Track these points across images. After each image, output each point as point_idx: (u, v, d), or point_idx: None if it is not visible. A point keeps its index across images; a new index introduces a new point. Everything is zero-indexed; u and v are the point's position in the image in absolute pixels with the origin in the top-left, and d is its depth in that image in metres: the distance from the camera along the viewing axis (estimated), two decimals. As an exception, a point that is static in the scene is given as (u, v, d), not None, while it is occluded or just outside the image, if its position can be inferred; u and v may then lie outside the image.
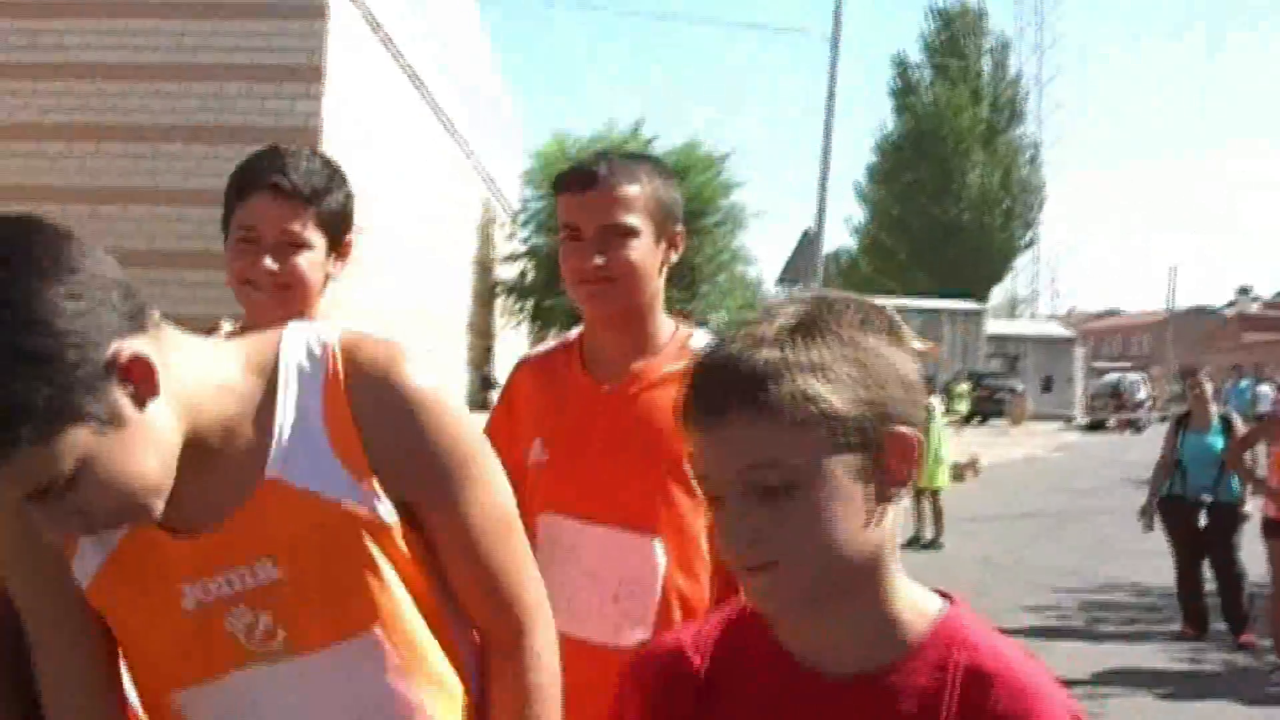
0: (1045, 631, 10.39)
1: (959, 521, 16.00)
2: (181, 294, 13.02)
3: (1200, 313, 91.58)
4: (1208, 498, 10.01)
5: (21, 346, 1.45)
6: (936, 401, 17.29)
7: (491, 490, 1.93)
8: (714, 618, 1.64)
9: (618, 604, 2.79)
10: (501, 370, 25.15)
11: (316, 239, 2.62)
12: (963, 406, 41.16)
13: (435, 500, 1.87)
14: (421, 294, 22.30)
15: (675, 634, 1.65)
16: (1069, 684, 6.23)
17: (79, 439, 1.53)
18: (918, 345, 1.51)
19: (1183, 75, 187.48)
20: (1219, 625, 10.08)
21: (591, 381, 2.92)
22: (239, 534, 1.77)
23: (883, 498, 1.44)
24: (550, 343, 3.17)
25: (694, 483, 1.49)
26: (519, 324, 32.76)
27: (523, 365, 3.12)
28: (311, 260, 2.63)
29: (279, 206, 2.58)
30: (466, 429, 1.92)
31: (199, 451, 1.72)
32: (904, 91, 69.06)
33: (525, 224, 32.56)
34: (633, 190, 2.75)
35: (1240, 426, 10.20)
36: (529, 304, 32.16)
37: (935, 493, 15.47)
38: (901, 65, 69.66)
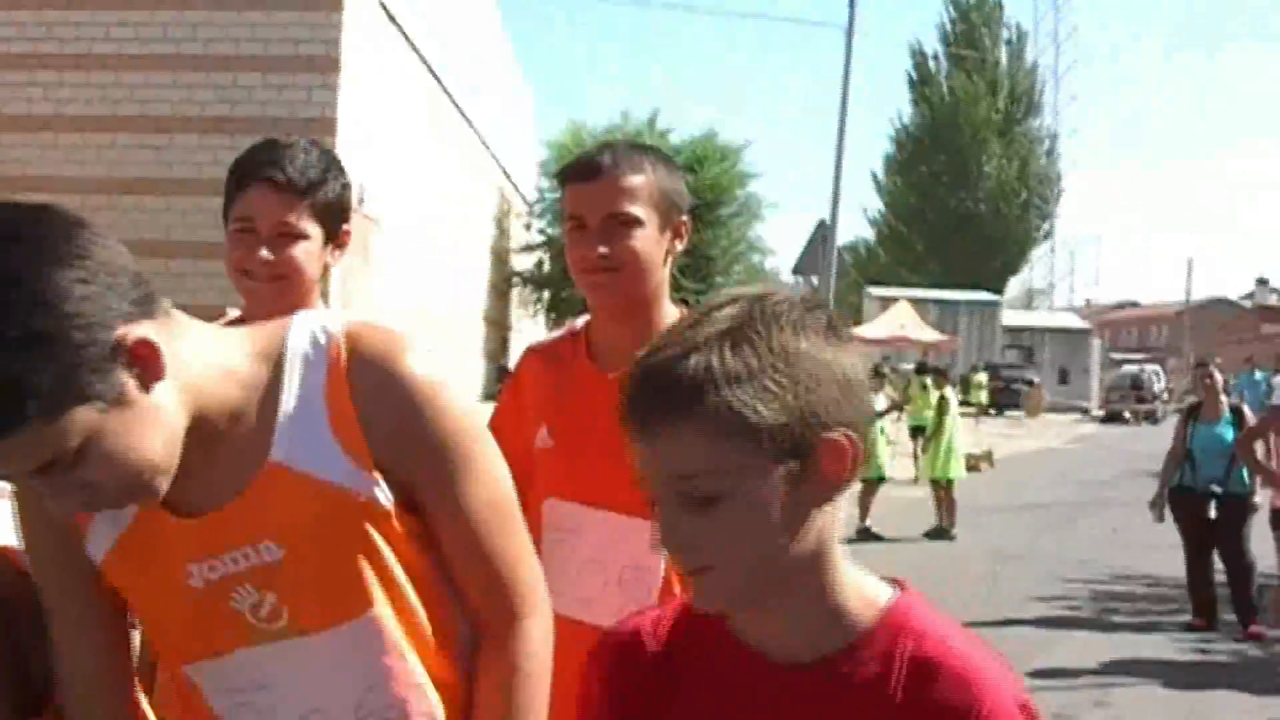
0: (1055, 622, 10.40)
1: (972, 512, 16.01)
2: (198, 284, 13.13)
3: (1218, 304, 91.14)
4: (1217, 489, 10.01)
5: (31, 327, 1.51)
6: (951, 393, 17.28)
7: (490, 479, 1.96)
8: (674, 603, 1.66)
9: (621, 587, 2.83)
10: (516, 361, 25.11)
11: (312, 229, 2.69)
12: (982, 397, 41.10)
13: (433, 486, 1.91)
14: (437, 285, 22.32)
15: (634, 619, 1.66)
16: (1077, 674, 6.26)
17: (84, 417, 1.58)
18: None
19: (1201, 69, 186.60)
20: (1229, 616, 10.07)
21: (596, 370, 2.94)
22: (243, 516, 1.81)
23: (817, 501, 1.44)
24: (558, 332, 3.20)
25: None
26: (535, 314, 32.77)
27: (530, 353, 3.16)
28: (307, 250, 2.70)
29: (274, 198, 2.65)
30: (466, 418, 1.95)
31: (204, 435, 1.77)
32: (921, 82, 68.89)
33: (541, 215, 32.52)
34: (636, 180, 2.78)
35: (1250, 417, 10.21)
36: (545, 295, 32.16)
37: (948, 483, 15.50)
38: (918, 55, 69.45)
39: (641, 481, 1.45)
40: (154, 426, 1.67)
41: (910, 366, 27.04)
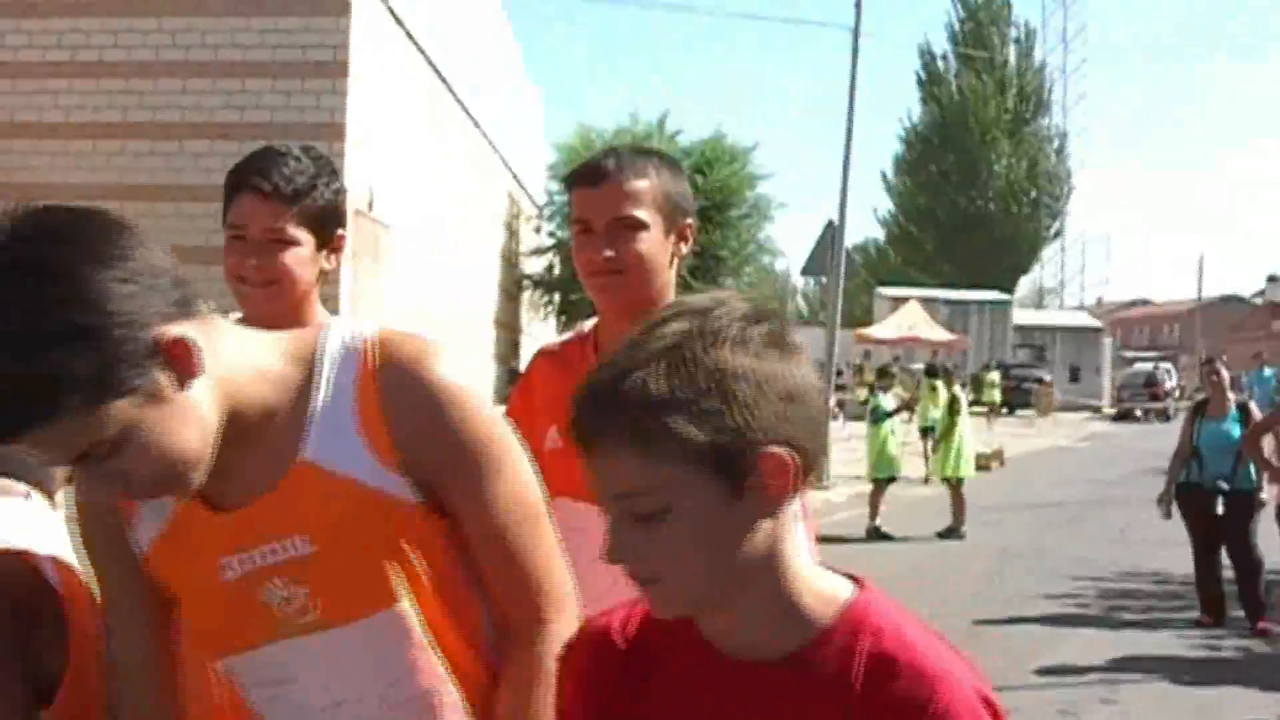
0: (1062, 619, 10.43)
1: (981, 511, 16.02)
2: (206, 289, 13.05)
3: (1229, 301, 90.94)
4: (1224, 485, 10.02)
5: (74, 322, 1.59)
6: (961, 392, 17.30)
7: (516, 482, 2.01)
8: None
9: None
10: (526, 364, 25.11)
11: (303, 236, 2.74)
12: (995, 396, 41.11)
13: (459, 488, 1.97)
14: (448, 288, 22.36)
15: (605, 616, 1.69)
16: (1084, 670, 6.29)
17: (121, 410, 1.66)
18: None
19: (1211, 67, 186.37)
20: (1237, 613, 10.09)
21: None
22: (273, 511, 1.89)
23: (762, 513, 1.45)
24: (568, 334, 3.24)
25: None
26: (546, 318, 32.77)
27: (541, 356, 3.21)
28: (298, 256, 2.75)
29: (262, 206, 2.70)
30: (493, 423, 2.01)
31: (238, 432, 1.84)
32: (930, 82, 68.85)
33: (551, 218, 32.50)
34: (641, 184, 2.82)
35: (1257, 414, 10.23)
36: (556, 298, 32.16)
37: (958, 482, 15.54)
38: (927, 55, 69.42)
39: (592, 492, 1.49)
40: (188, 422, 1.75)
41: (920, 366, 27.03)
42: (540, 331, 31.44)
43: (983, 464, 21.33)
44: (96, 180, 15.87)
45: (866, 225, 72.90)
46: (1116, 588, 11.94)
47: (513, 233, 31.86)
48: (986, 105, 65.24)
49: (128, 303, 1.63)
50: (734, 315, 1.46)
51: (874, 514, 15.17)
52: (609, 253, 2.80)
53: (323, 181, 2.80)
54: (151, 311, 1.67)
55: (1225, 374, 10.65)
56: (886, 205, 71.39)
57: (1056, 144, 70.63)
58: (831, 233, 20.96)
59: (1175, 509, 10.39)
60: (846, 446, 22.67)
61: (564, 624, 2.02)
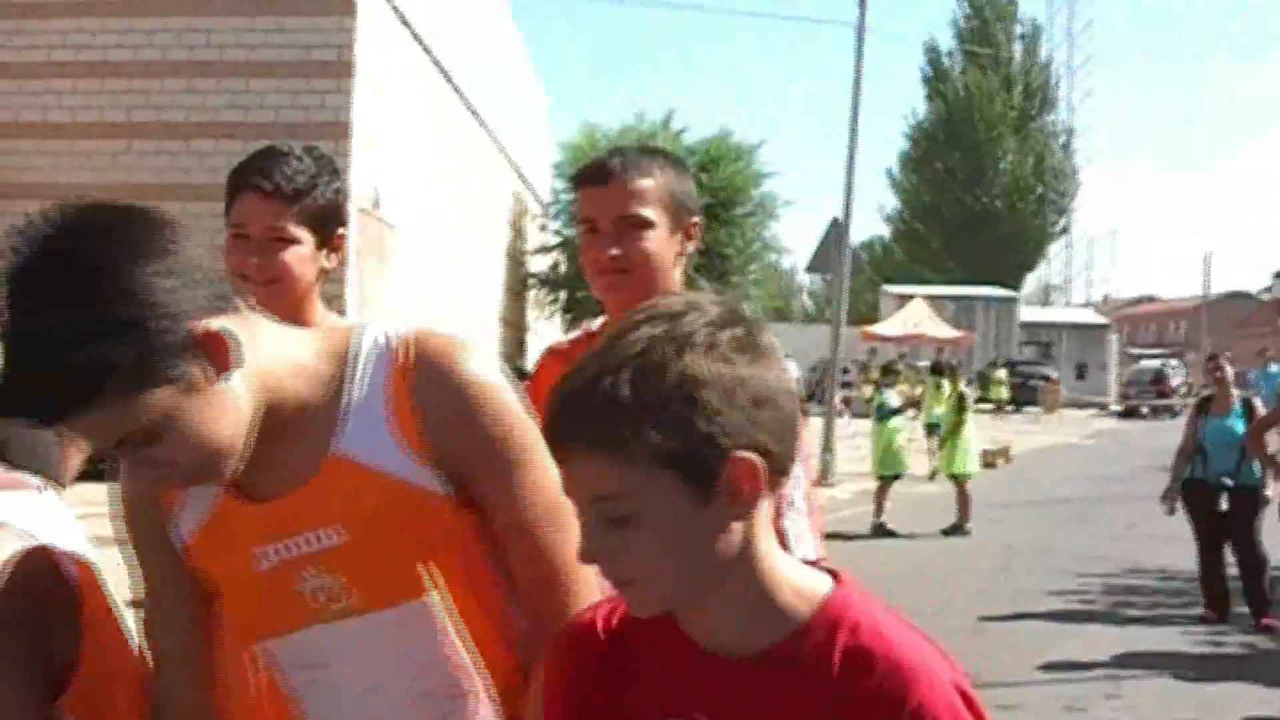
0: (1067, 615, 10.44)
1: (987, 509, 16.04)
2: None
3: (1236, 298, 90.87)
4: (1229, 482, 10.02)
5: (115, 314, 1.66)
6: (966, 388, 17.32)
7: (545, 477, 2.01)
8: None
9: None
10: (534, 363, 25.19)
11: (302, 234, 2.78)
12: (1002, 393, 41.07)
13: (489, 482, 2.02)
14: (453, 287, 22.39)
15: (591, 612, 1.71)
16: (1089, 666, 6.30)
17: (158, 399, 1.72)
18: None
19: (1216, 65, 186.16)
20: (1241, 609, 10.09)
21: None
22: (307, 503, 1.95)
23: (734, 516, 1.46)
24: (575, 333, 3.28)
25: None
26: (551, 316, 32.79)
27: (549, 354, 3.24)
28: (298, 255, 2.78)
29: (262, 205, 2.74)
30: (525, 420, 2.04)
31: (274, 425, 1.90)
32: (935, 78, 68.82)
33: (556, 216, 32.53)
34: (646, 183, 2.85)
35: (1261, 410, 10.23)
36: (561, 296, 32.18)
37: (964, 479, 15.56)
38: (932, 52, 69.39)
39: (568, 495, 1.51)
40: (224, 412, 1.81)
41: (926, 364, 27.03)
42: (546, 330, 31.48)
43: (989, 461, 21.35)
44: (102, 180, 15.89)
45: (872, 223, 73.25)
46: (1121, 584, 11.95)
47: (518, 231, 31.89)
48: (992, 102, 65.20)
49: (168, 296, 1.70)
50: (704, 320, 1.47)
51: (879, 511, 15.20)
52: (615, 251, 2.83)
53: (323, 181, 2.84)
54: (191, 305, 1.73)
55: (1229, 370, 10.66)
56: (892, 202, 71.52)
57: (1063, 140, 70.63)
58: (836, 230, 20.98)
59: (1180, 505, 10.39)
60: (851, 444, 22.70)
61: None
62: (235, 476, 1.89)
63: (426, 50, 20.29)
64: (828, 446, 20.17)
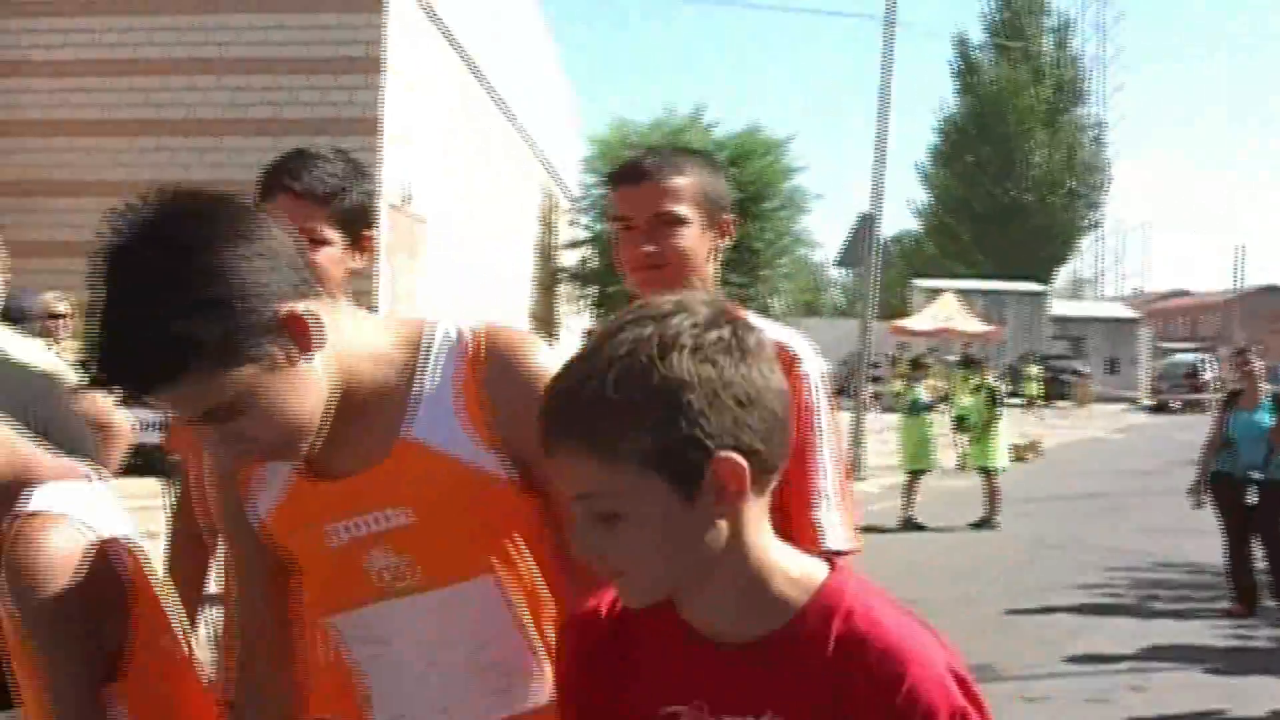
0: (1095, 608, 10.45)
1: (1017, 502, 16.04)
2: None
3: (1269, 292, 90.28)
4: (1257, 475, 9.97)
5: (204, 294, 1.75)
6: (998, 383, 17.31)
7: None
8: None
9: None
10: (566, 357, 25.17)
11: (333, 235, 2.86)
12: (1034, 389, 40.93)
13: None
14: (483, 282, 22.46)
15: (595, 601, 1.73)
16: (1116, 659, 6.31)
17: (241, 375, 1.80)
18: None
19: (1248, 56, 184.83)
20: (1269, 602, 10.06)
21: None
22: (379, 483, 2.03)
23: (720, 513, 1.49)
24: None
25: None
26: (582, 311, 32.81)
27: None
28: (329, 255, 2.87)
29: (294, 206, 2.81)
30: None
31: (349, 407, 1.99)
32: (966, 71, 68.59)
33: (586, 210, 32.54)
34: (680, 181, 2.90)
35: (1289, 404, 10.19)
36: (592, 290, 32.20)
37: (993, 473, 15.57)
38: (962, 45, 69.17)
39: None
40: (303, 392, 1.90)
41: (955, 358, 27.00)
42: (576, 325, 31.49)
43: (1019, 455, 21.31)
44: (134, 177, 15.96)
45: (902, 216, 73.18)
46: (1149, 577, 11.94)
47: (548, 226, 31.94)
48: (1022, 95, 64.94)
49: (255, 278, 1.79)
50: (690, 321, 1.49)
51: (908, 505, 15.22)
52: (650, 248, 2.87)
53: (353, 183, 2.92)
54: (276, 288, 1.82)
55: (1257, 364, 10.62)
56: (922, 196, 71.32)
57: (1094, 134, 70.32)
58: (866, 224, 20.96)
59: (1208, 499, 10.37)
60: (880, 438, 22.68)
61: None
62: (311, 454, 1.98)
63: (455, 46, 20.35)
64: (857, 441, 20.18)
